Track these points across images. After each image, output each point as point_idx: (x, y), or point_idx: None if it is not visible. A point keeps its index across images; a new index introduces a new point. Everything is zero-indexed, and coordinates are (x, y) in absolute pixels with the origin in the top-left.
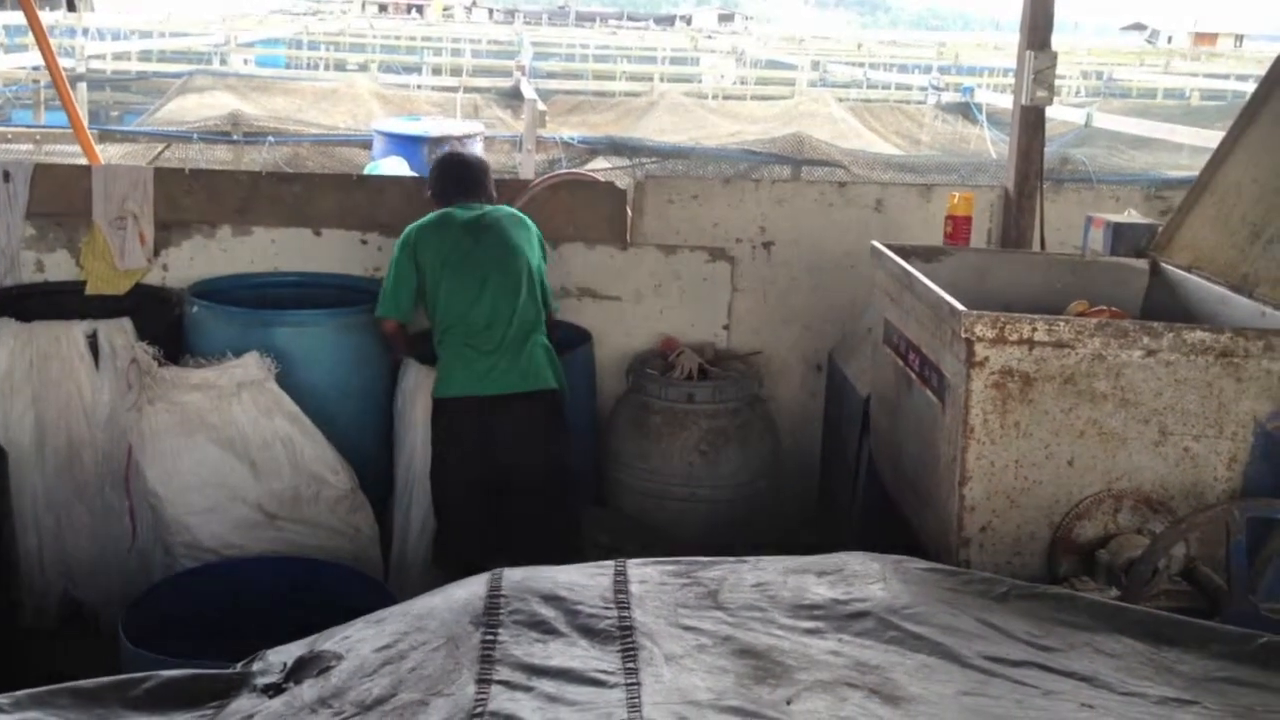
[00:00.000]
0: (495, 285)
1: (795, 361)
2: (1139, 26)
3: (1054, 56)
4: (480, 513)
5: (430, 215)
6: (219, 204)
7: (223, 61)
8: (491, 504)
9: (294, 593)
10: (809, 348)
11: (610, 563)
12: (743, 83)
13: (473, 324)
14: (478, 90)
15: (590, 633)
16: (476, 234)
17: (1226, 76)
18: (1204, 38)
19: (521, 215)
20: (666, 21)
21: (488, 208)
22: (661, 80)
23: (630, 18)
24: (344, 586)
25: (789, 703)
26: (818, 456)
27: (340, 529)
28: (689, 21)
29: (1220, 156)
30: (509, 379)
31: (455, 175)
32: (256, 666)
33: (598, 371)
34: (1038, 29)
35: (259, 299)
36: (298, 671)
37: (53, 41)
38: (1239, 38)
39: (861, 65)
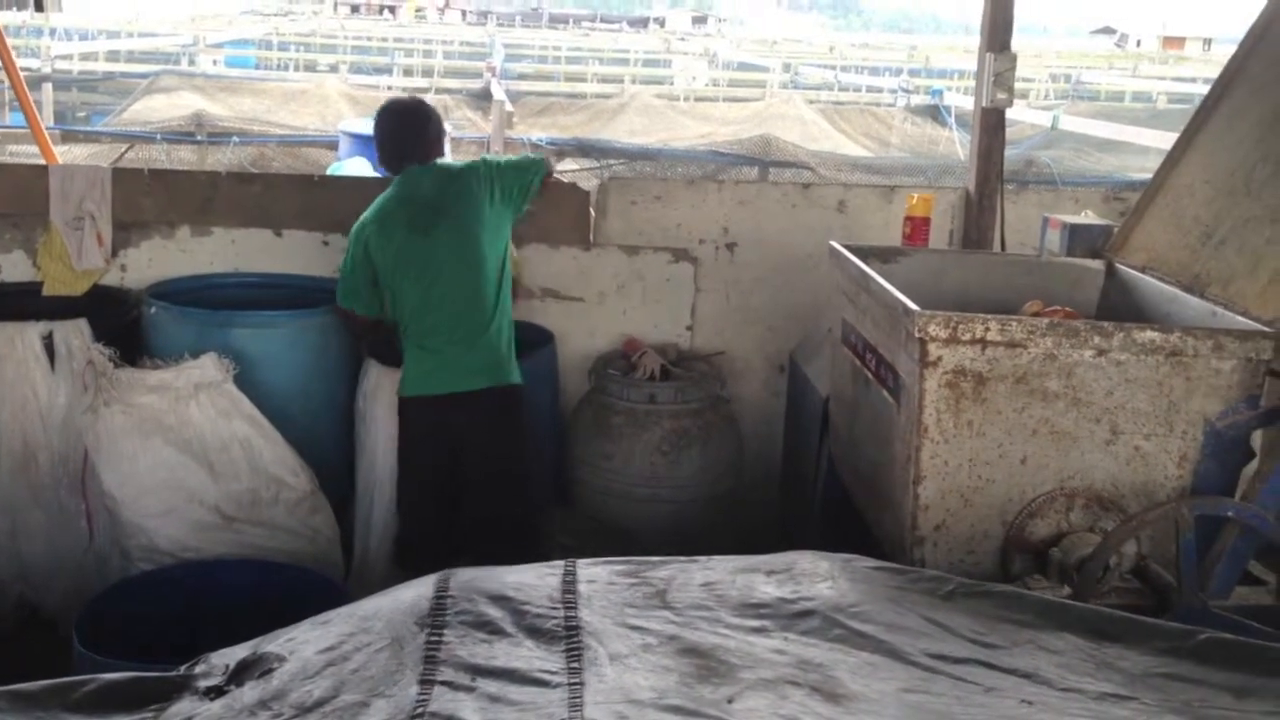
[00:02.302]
0: (451, 281)
1: (758, 362)
2: (1108, 30)
3: (1014, 59)
4: (442, 513)
5: (375, 206)
6: (178, 204)
7: (191, 62)
8: (454, 504)
9: (251, 596)
10: (772, 348)
11: (560, 562)
12: (714, 84)
13: (430, 324)
14: (448, 91)
15: (536, 633)
16: (426, 228)
17: (1194, 80)
18: (1172, 41)
19: (464, 167)
20: (640, 23)
21: (437, 172)
22: (633, 82)
23: (604, 19)
24: (302, 589)
25: (730, 701)
26: (780, 457)
27: (300, 531)
28: (662, 24)
29: (1174, 158)
30: (468, 378)
31: (397, 140)
32: (199, 669)
33: (560, 372)
34: (998, 31)
35: (219, 300)
36: (240, 674)
37: (19, 41)
38: (1207, 41)
39: (833, 68)
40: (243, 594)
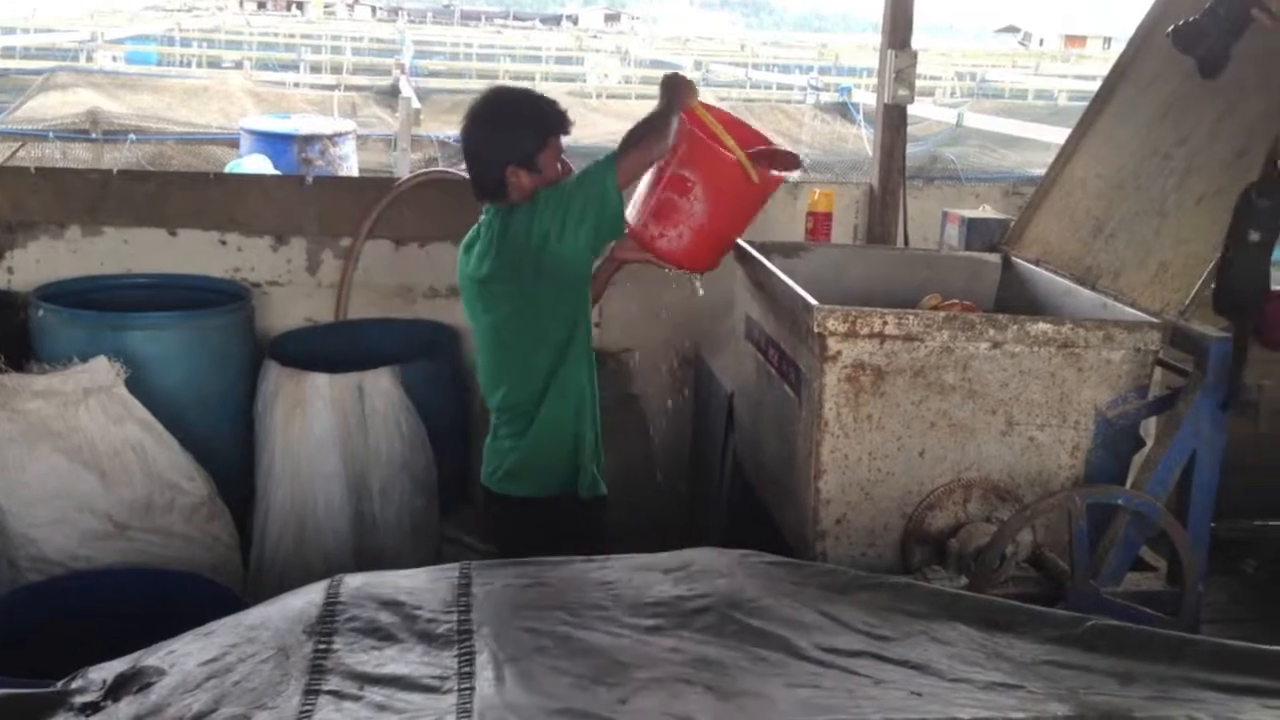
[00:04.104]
0: (491, 381)
1: (667, 359)
2: (1012, 29)
3: (914, 56)
4: None
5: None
6: (67, 203)
7: (89, 58)
8: None
9: (145, 606)
10: (681, 345)
11: (456, 565)
12: (627, 82)
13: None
14: (356, 88)
15: (428, 638)
16: (473, 310)
17: (1094, 78)
18: (1074, 40)
19: (517, 223)
20: (553, 21)
21: (490, 228)
22: (545, 79)
23: (517, 17)
24: (198, 598)
25: (623, 702)
26: (689, 453)
27: (197, 538)
28: (575, 21)
29: (1067, 153)
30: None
31: (468, 161)
32: (76, 685)
33: (465, 371)
34: (898, 29)
35: (110, 302)
36: (117, 689)
37: None
38: (1107, 40)
39: (744, 65)
40: (136, 604)
